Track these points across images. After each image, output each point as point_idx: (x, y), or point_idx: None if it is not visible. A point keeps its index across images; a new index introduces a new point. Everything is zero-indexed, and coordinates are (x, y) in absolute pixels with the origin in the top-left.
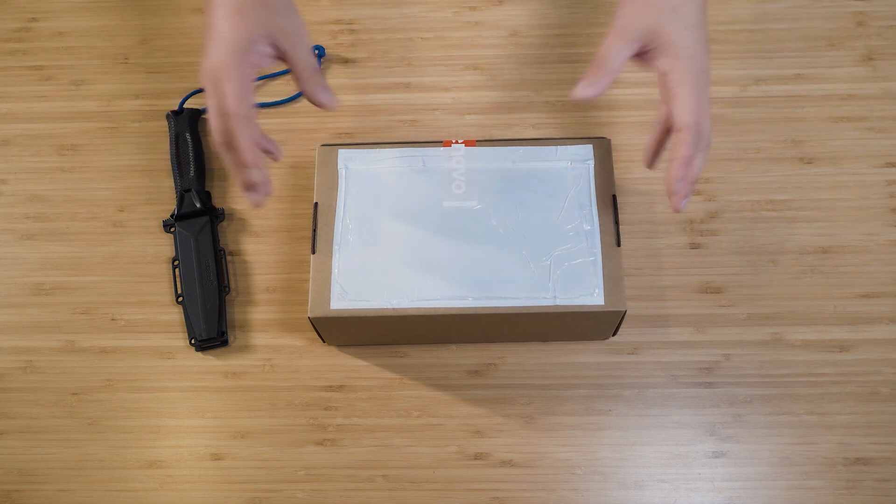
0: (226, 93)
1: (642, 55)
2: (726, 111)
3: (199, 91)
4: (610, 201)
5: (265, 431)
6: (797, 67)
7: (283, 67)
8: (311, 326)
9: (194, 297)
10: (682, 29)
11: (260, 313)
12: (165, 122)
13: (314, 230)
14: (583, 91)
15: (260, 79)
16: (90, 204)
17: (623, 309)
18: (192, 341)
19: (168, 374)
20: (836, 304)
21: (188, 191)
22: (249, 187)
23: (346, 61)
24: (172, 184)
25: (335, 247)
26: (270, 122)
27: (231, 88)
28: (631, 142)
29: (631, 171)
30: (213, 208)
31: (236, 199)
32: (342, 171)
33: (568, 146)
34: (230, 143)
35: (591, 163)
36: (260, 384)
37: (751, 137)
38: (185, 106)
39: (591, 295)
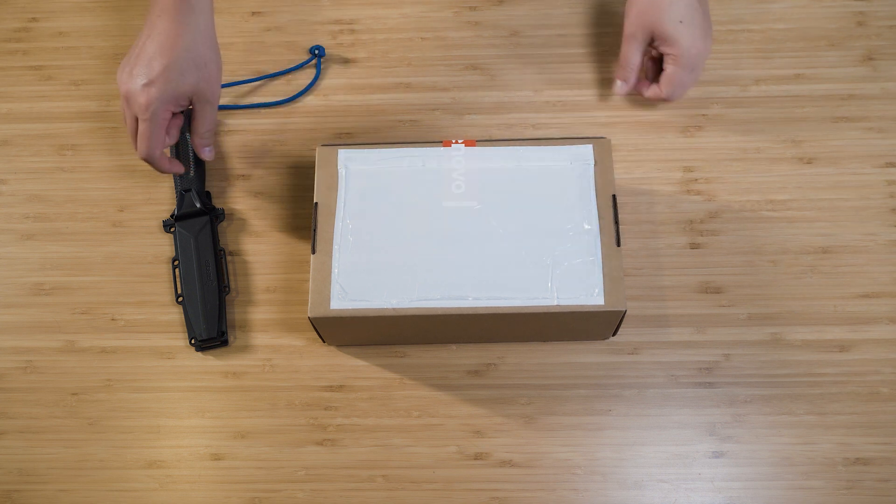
0: (146, 132)
1: (654, 47)
2: (726, 111)
3: None
4: (610, 201)
5: (265, 431)
6: (797, 67)
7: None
8: (311, 326)
9: (194, 297)
10: (676, 23)
11: (260, 313)
12: None
13: (314, 230)
14: (619, 89)
15: (259, 79)
16: (90, 204)
17: (623, 309)
18: (192, 341)
19: (168, 374)
20: (836, 304)
21: (188, 191)
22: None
23: (346, 61)
24: (172, 184)
25: (335, 247)
26: (270, 122)
27: (150, 128)
28: (631, 142)
29: (631, 171)
30: (213, 208)
31: (236, 199)
32: (342, 172)
33: (568, 146)
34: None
35: (591, 163)
36: (260, 384)
37: (751, 137)
38: None
39: (591, 295)
